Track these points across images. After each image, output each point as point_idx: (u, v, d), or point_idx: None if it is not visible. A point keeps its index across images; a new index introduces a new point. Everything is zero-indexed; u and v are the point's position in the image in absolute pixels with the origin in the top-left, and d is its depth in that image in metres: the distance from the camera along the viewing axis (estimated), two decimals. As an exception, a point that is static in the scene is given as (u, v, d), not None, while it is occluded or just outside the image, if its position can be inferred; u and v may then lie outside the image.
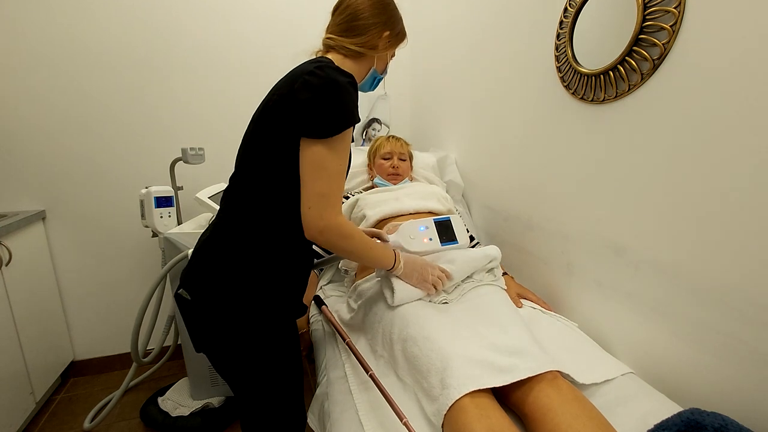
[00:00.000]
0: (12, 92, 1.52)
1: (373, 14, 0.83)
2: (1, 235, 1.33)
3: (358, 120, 0.72)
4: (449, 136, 1.74)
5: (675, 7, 0.73)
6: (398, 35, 0.89)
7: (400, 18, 0.89)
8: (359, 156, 1.60)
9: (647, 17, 0.78)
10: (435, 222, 1.12)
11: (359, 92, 0.92)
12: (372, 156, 1.50)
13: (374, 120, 2.06)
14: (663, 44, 0.76)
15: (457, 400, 0.66)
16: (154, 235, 1.46)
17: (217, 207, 0.93)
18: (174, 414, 1.44)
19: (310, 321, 1.21)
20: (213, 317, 0.74)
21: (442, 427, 0.68)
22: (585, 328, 1.01)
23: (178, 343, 1.66)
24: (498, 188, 1.40)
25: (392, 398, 0.74)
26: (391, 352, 0.87)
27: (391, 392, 0.76)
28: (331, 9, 0.87)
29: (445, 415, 0.67)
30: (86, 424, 1.44)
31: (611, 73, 0.87)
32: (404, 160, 1.45)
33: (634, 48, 0.81)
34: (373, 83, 0.93)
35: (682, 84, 0.74)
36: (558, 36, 1.03)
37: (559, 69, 1.04)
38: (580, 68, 0.95)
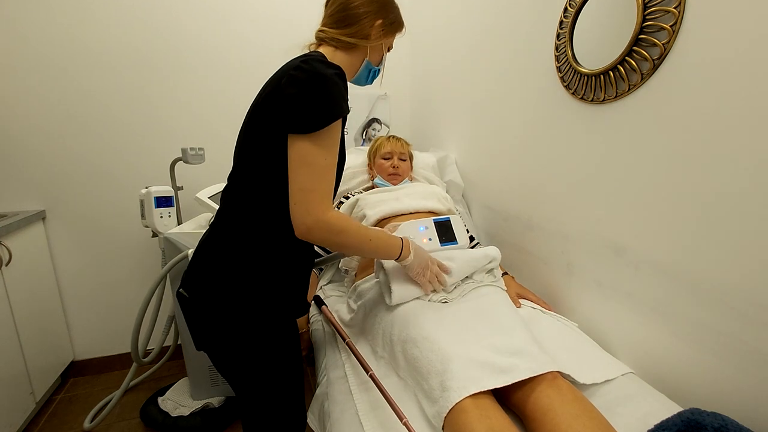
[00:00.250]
0: (12, 92, 1.52)
1: (365, 3, 0.81)
2: (1, 235, 1.33)
3: (347, 111, 0.71)
4: (449, 136, 1.74)
5: (675, 7, 0.73)
6: (393, 24, 0.86)
7: (396, 6, 0.87)
8: (359, 156, 1.60)
9: (647, 17, 0.78)
10: (435, 222, 1.12)
11: (358, 86, 0.92)
12: (372, 156, 1.49)
13: (374, 120, 2.06)
14: (663, 44, 0.76)
15: (457, 402, 0.66)
16: (154, 235, 1.46)
17: (217, 207, 0.93)
18: (174, 414, 1.43)
19: (310, 321, 1.21)
20: (213, 316, 0.74)
21: (443, 428, 0.68)
22: (585, 328, 1.01)
23: (178, 343, 1.66)
24: (498, 188, 1.40)
25: (392, 398, 0.74)
26: (391, 353, 0.87)
27: (391, 392, 0.76)
28: (324, 0, 0.86)
29: (445, 417, 0.67)
30: (86, 424, 1.44)
31: (611, 73, 0.87)
32: (404, 160, 1.45)
33: (634, 48, 0.81)
34: (369, 76, 0.90)
35: (682, 84, 0.74)
36: (558, 36, 1.03)
37: (559, 69, 1.04)
38: (580, 68, 0.95)
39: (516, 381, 0.71)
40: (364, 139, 2.06)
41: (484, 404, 0.67)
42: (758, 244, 0.64)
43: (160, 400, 1.51)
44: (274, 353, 0.78)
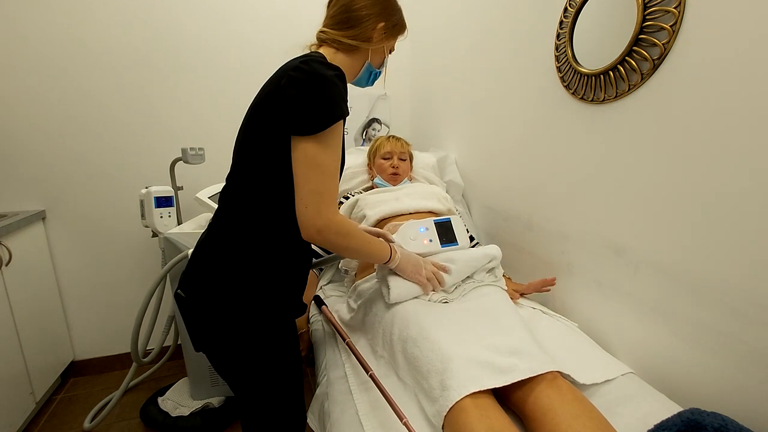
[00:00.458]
0: (12, 92, 1.52)
1: (367, 5, 0.80)
2: (1, 235, 1.33)
3: (347, 113, 0.71)
4: (449, 136, 1.74)
5: (675, 7, 0.73)
6: (395, 27, 0.85)
7: (398, 9, 0.86)
8: (359, 156, 1.60)
9: (647, 17, 0.78)
10: (435, 223, 1.11)
11: (359, 87, 0.91)
12: (372, 156, 1.50)
13: (374, 120, 2.06)
14: (663, 44, 0.76)
15: (457, 401, 0.66)
16: (154, 235, 1.46)
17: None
18: (174, 414, 1.43)
19: (310, 321, 1.21)
20: (211, 317, 0.74)
21: (443, 428, 0.68)
22: (585, 328, 1.01)
23: (178, 343, 1.66)
24: (498, 188, 1.40)
25: (392, 398, 0.73)
26: (391, 353, 0.87)
27: (391, 392, 0.76)
28: (326, 1, 0.85)
29: (445, 416, 0.67)
30: (86, 424, 1.44)
31: (611, 73, 0.87)
32: (404, 160, 1.45)
33: (634, 48, 0.81)
34: (370, 78, 0.90)
35: (682, 84, 0.74)
36: (558, 36, 1.03)
37: (559, 69, 1.04)
38: (580, 68, 0.95)
39: (516, 381, 0.71)
40: (364, 139, 2.06)
41: (484, 404, 0.67)
42: (758, 244, 0.64)
43: (160, 400, 1.51)
44: (272, 354, 0.78)
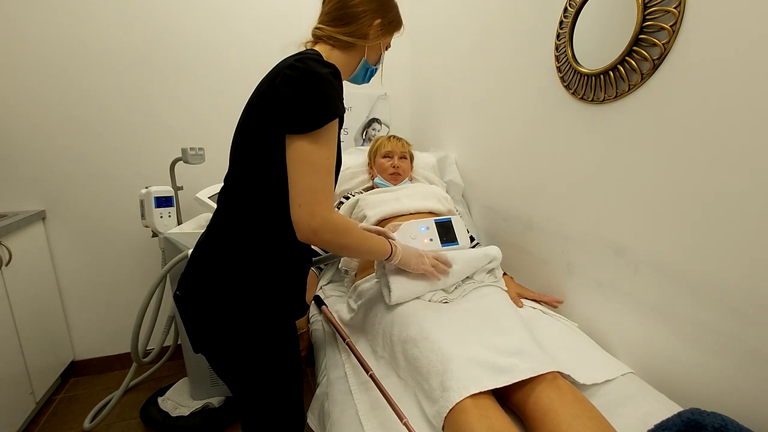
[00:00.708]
0: (12, 92, 1.52)
1: (364, 1, 0.79)
2: (1, 235, 1.33)
3: (343, 111, 0.70)
4: (449, 136, 1.74)
5: (675, 7, 0.73)
6: (391, 23, 0.84)
7: (394, 5, 0.85)
8: (359, 156, 1.60)
9: (647, 17, 0.78)
10: (436, 223, 1.12)
11: (355, 85, 0.91)
12: (372, 156, 1.50)
13: (374, 120, 2.06)
14: (663, 44, 0.76)
15: (457, 402, 0.66)
16: (154, 235, 1.46)
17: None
18: (174, 414, 1.43)
19: (310, 321, 1.21)
20: (211, 318, 0.74)
21: (443, 428, 0.68)
22: (585, 328, 1.01)
23: (178, 343, 1.66)
24: (498, 188, 1.40)
25: (392, 398, 0.73)
26: (391, 353, 0.87)
27: (391, 392, 0.76)
28: None
29: (445, 417, 0.67)
30: (86, 424, 1.44)
31: (611, 73, 0.87)
32: (405, 159, 1.45)
33: (634, 48, 0.81)
34: (366, 75, 0.88)
35: (682, 84, 0.74)
36: (558, 36, 1.03)
37: (559, 69, 1.04)
38: (580, 68, 0.95)
39: (516, 381, 0.71)
40: (364, 139, 2.06)
41: (484, 404, 0.67)
42: (758, 244, 0.64)
43: (160, 400, 1.51)
44: (272, 355, 0.78)
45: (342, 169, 1.51)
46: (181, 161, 1.45)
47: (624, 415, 0.71)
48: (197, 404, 1.45)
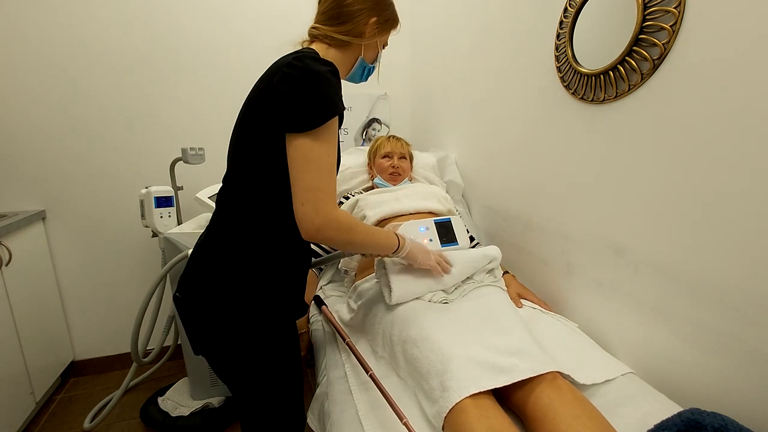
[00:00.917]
0: (12, 92, 1.52)
1: (359, 0, 0.79)
2: (1, 235, 1.33)
3: (343, 109, 0.70)
4: (449, 136, 1.74)
5: (675, 7, 0.73)
6: (387, 21, 0.84)
7: (390, 3, 0.85)
8: (359, 156, 1.60)
9: (647, 17, 0.78)
10: (435, 223, 1.12)
11: (353, 83, 0.90)
12: (372, 156, 1.50)
13: (374, 120, 2.06)
14: (663, 44, 0.76)
15: (457, 402, 0.66)
16: (154, 235, 1.46)
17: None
18: (174, 414, 1.44)
19: (310, 321, 1.21)
20: (210, 320, 0.74)
21: (443, 428, 0.68)
22: (585, 328, 1.01)
23: (178, 343, 1.66)
24: (498, 188, 1.40)
25: (392, 398, 0.73)
26: (391, 353, 0.87)
27: (391, 392, 0.76)
28: None
29: (445, 417, 0.67)
30: (86, 424, 1.44)
31: (611, 73, 0.87)
32: (404, 159, 1.45)
33: (634, 48, 0.81)
34: (363, 74, 0.88)
35: (682, 84, 0.74)
36: (558, 36, 1.03)
37: (559, 69, 1.04)
38: (580, 68, 0.95)
39: (516, 381, 0.71)
40: (364, 139, 2.06)
41: (484, 404, 0.67)
42: (758, 244, 0.64)
43: (160, 400, 1.51)
44: (272, 356, 0.78)
45: (342, 169, 1.51)
46: (181, 161, 1.45)
47: (624, 415, 0.71)
48: (197, 404, 1.45)
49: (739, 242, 0.67)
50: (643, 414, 0.71)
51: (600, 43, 0.91)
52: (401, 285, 0.92)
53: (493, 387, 0.70)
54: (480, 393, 0.68)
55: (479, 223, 1.54)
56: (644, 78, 0.80)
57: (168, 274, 1.30)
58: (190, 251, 0.85)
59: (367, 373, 0.82)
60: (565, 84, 1.01)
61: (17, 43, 1.49)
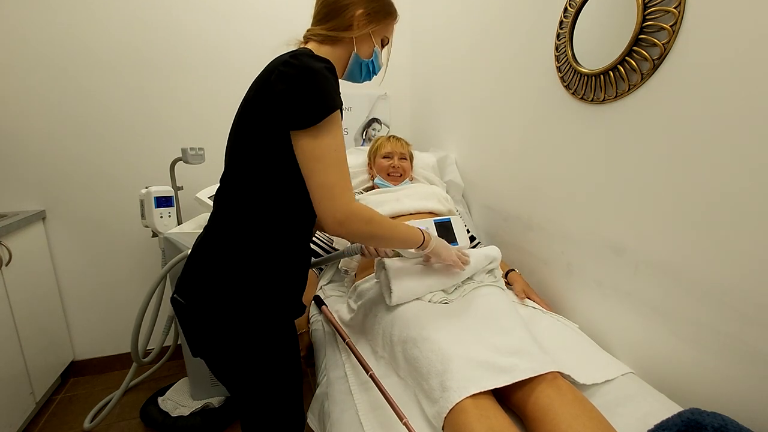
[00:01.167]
0: (12, 92, 1.52)
1: None
2: (1, 235, 1.33)
3: (341, 104, 0.69)
4: (449, 136, 1.74)
5: (675, 7, 0.73)
6: (377, 13, 0.81)
7: None
8: (359, 156, 1.60)
9: (647, 17, 0.78)
10: (435, 223, 1.12)
11: (356, 83, 0.89)
12: (372, 156, 1.50)
13: (374, 120, 2.06)
14: (663, 44, 0.76)
15: (457, 403, 0.66)
16: (154, 235, 1.46)
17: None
18: (174, 414, 1.44)
19: (310, 321, 1.21)
20: (209, 321, 0.73)
21: (443, 429, 0.68)
22: (585, 328, 1.01)
23: (178, 343, 1.66)
24: (498, 188, 1.40)
25: (392, 398, 0.73)
26: (391, 353, 0.87)
27: (391, 392, 0.76)
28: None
29: (445, 417, 0.67)
30: (86, 424, 1.44)
31: (611, 73, 0.87)
32: (405, 160, 1.45)
33: (634, 48, 0.81)
34: (363, 71, 0.86)
35: (682, 84, 0.74)
36: (558, 36, 1.03)
37: (559, 69, 1.04)
38: (580, 68, 0.95)
39: (516, 381, 0.71)
40: (364, 139, 2.06)
41: (484, 404, 0.67)
42: (758, 244, 0.64)
43: (160, 400, 1.51)
44: (272, 356, 0.77)
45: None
46: (181, 161, 1.45)
47: (624, 415, 0.71)
48: (197, 404, 1.45)
49: (739, 242, 0.67)
50: (643, 414, 0.71)
51: (600, 43, 0.91)
52: (401, 286, 0.92)
53: (494, 387, 0.70)
54: (480, 393, 0.68)
55: (479, 223, 1.54)
56: (644, 78, 0.80)
57: (168, 274, 1.30)
58: (189, 252, 0.85)
59: (367, 373, 0.82)
60: (565, 84, 1.01)
61: (17, 43, 1.49)
